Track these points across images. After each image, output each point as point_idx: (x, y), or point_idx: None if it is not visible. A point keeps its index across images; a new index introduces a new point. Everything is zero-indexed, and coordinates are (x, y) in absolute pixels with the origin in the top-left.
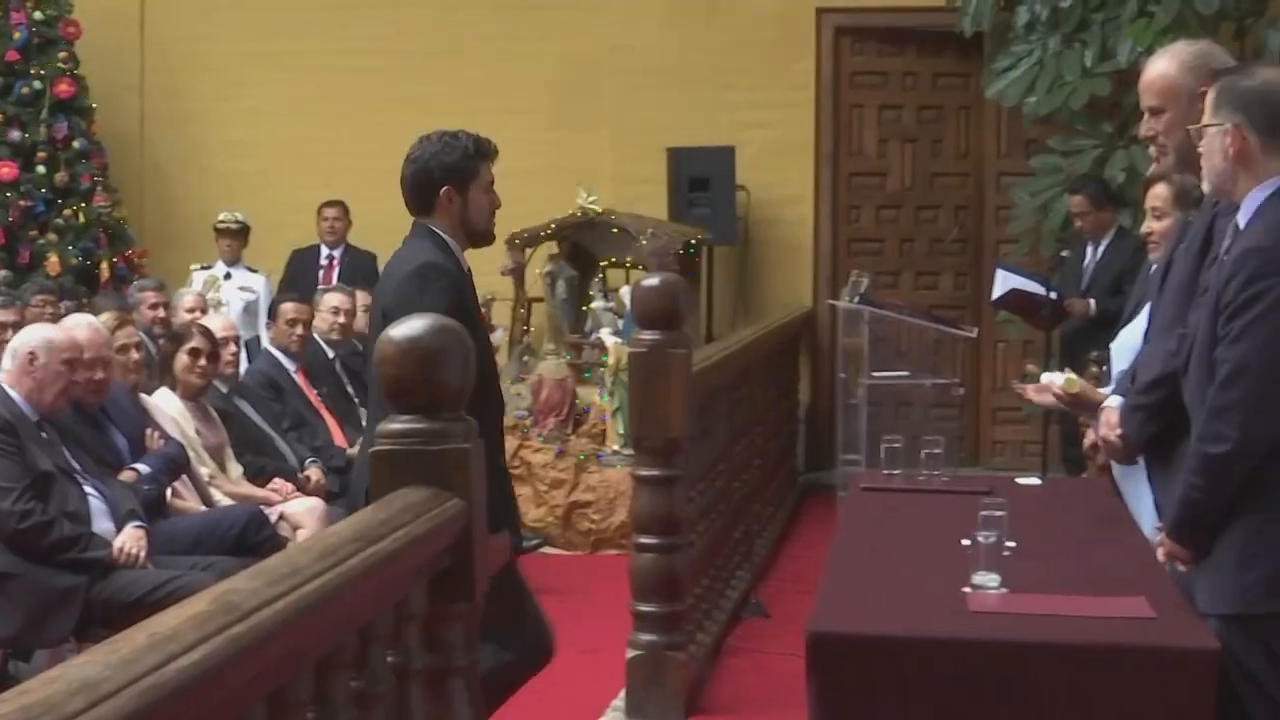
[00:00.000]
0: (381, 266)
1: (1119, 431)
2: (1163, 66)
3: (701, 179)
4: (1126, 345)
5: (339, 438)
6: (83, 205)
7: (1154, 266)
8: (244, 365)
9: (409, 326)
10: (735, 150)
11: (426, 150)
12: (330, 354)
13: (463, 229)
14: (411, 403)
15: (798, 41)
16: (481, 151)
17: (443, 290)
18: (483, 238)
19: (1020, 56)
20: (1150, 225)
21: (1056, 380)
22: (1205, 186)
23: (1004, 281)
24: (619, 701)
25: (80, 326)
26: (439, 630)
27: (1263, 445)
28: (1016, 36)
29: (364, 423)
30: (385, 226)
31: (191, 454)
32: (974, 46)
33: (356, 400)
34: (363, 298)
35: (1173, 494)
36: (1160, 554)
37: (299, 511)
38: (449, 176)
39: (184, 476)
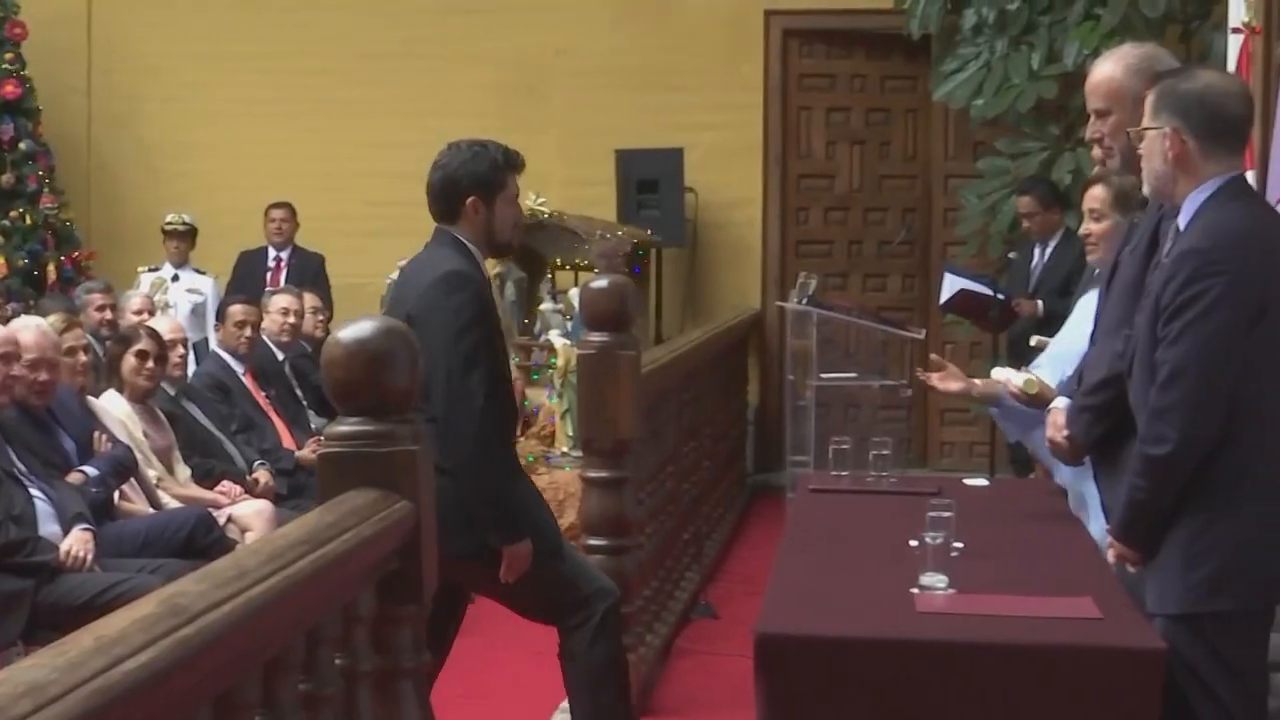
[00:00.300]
0: (329, 267)
1: (1066, 433)
2: (1108, 69)
3: (650, 181)
4: (1060, 354)
5: (287, 440)
6: (29, 207)
7: (1096, 270)
8: (192, 367)
9: (356, 329)
10: (684, 152)
11: (455, 159)
12: (279, 356)
13: (486, 239)
14: (359, 405)
15: (746, 44)
16: (510, 163)
17: (469, 299)
18: (505, 249)
19: (967, 59)
20: (1089, 227)
21: (1015, 379)
22: (1145, 189)
23: (951, 284)
24: (568, 704)
25: (28, 329)
26: (387, 632)
27: (1203, 445)
28: (964, 39)
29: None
30: (332, 228)
31: (139, 456)
32: (921, 49)
33: (305, 403)
34: (311, 299)
35: (1119, 495)
36: (1110, 555)
37: (247, 514)
38: (476, 187)
39: (131, 479)
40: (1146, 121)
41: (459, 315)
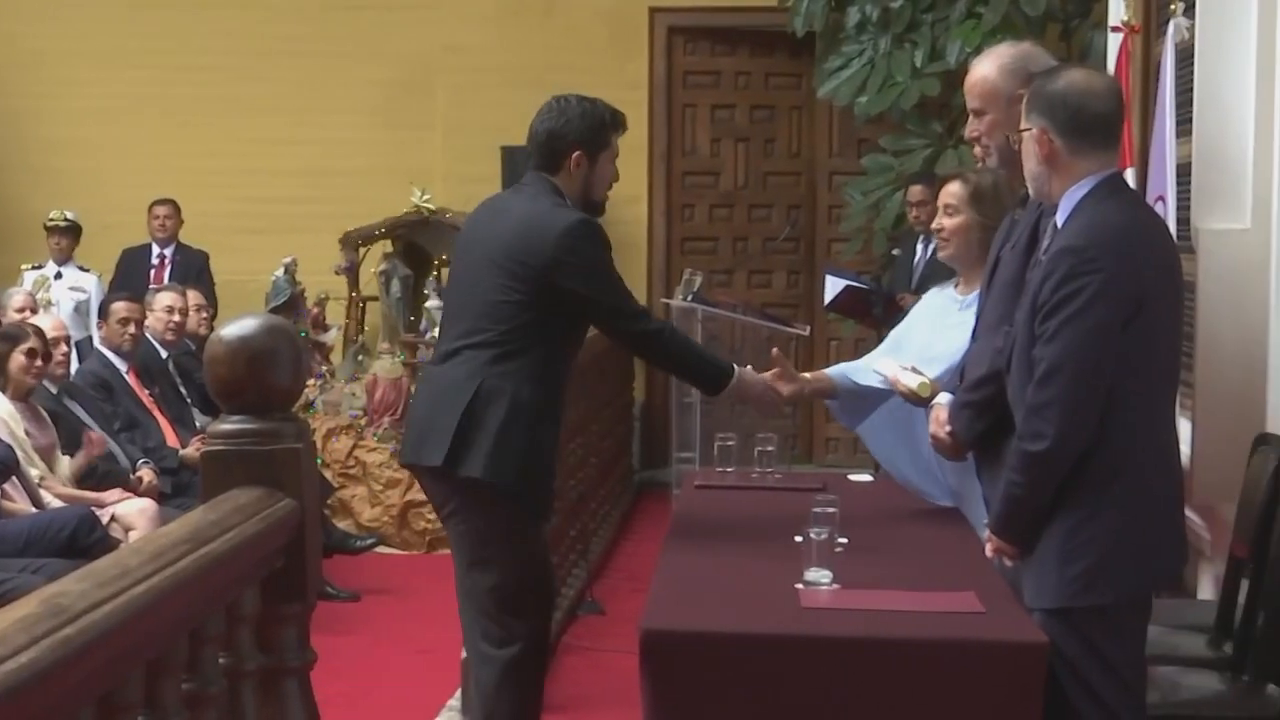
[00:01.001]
0: (213, 264)
1: (948, 428)
2: (984, 69)
3: None
4: (910, 349)
5: (171, 438)
6: None
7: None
8: (74, 365)
9: (239, 326)
10: None
11: (564, 114)
12: (163, 354)
13: (582, 195)
14: (242, 403)
15: (631, 41)
16: (615, 123)
17: (602, 242)
18: (598, 208)
19: (851, 57)
20: (940, 222)
21: (905, 380)
22: (1030, 189)
23: (834, 285)
24: (454, 701)
25: None
26: (271, 631)
27: (1079, 442)
28: (848, 37)
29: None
30: (216, 225)
31: (20, 455)
32: (806, 46)
33: (189, 401)
34: (195, 296)
35: (999, 490)
36: (988, 549)
37: (131, 513)
38: (583, 142)
39: (13, 478)
40: (1022, 123)
41: (600, 257)
